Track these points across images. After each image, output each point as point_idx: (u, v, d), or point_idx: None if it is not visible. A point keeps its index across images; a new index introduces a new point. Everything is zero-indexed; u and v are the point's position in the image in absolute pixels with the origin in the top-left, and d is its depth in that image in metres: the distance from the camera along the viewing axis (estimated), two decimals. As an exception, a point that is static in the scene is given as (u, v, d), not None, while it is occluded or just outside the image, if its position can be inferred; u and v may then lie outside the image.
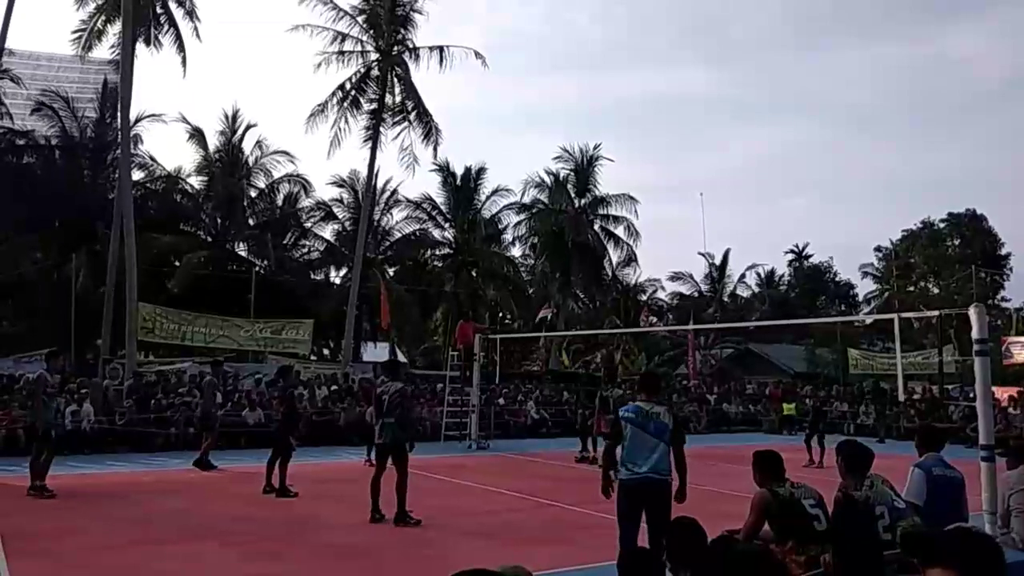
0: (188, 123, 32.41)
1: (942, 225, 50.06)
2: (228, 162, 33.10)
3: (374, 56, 28.01)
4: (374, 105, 27.95)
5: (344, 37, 27.63)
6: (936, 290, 46.15)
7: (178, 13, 24.81)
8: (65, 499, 10.15)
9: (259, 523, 9.03)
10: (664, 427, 5.80)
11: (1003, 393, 22.42)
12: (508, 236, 39.60)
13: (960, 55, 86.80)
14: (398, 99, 28.30)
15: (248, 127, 33.52)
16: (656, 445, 5.76)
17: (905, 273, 48.50)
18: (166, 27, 24.74)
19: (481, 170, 37.52)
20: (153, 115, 30.12)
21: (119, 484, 12.03)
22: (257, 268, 30.45)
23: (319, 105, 27.56)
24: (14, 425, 15.36)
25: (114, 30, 24.43)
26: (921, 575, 1.83)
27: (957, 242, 49.58)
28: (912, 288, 47.73)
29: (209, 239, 32.21)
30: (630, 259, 38.61)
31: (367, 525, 8.89)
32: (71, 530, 8.43)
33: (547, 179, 37.79)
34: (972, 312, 8.19)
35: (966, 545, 1.86)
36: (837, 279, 54.61)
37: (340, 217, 35.28)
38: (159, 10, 24.60)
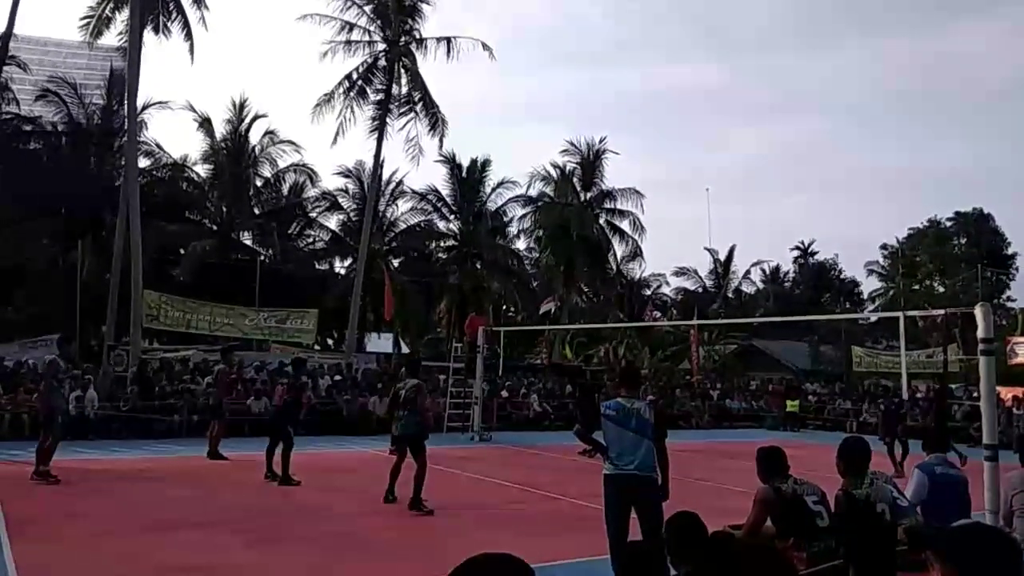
0: (195, 111, 32.44)
1: (949, 224, 49.86)
2: (234, 151, 33.06)
3: (381, 46, 27.92)
4: (380, 95, 27.87)
5: (352, 26, 27.56)
6: (942, 289, 45.96)
7: (186, 1, 24.80)
8: (69, 484, 10.20)
9: (261, 510, 9.08)
10: (646, 423, 5.63)
11: (1007, 393, 22.39)
12: (513, 229, 39.51)
13: (967, 52, 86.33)
14: (405, 90, 28.23)
15: (256, 117, 33.51)
16: (639, 442, 5.59)
17: (911, 271, 48.29)
18: (174, 14, 24.69)
19: (487, 162, 37.39)
20: (160, 102, 30.12)
21: (123, 470, 12.11)
22: (262, 257, 30.50)
23: (325, 95, 27.49)
24: (19, 410, 15.44)
25: (122, 17, 24.37)
26: (931, 570, 1.80)
27: (963, 241, 49.39)
28: (917, 287, 47.55)
29: (215, 227, 32.25)
30: (635, 253, 38.55)
31: (369, 514, 8.94)
32: (74, 515, 8.48)
33: (553, 172, 37.68)
34: (978, 311, 8.13)
35: (972, 541, 1.81)
36: (842, 276, 54.47)
37: (345, 207, 35.30)
38: (167, -3, 24.57)
